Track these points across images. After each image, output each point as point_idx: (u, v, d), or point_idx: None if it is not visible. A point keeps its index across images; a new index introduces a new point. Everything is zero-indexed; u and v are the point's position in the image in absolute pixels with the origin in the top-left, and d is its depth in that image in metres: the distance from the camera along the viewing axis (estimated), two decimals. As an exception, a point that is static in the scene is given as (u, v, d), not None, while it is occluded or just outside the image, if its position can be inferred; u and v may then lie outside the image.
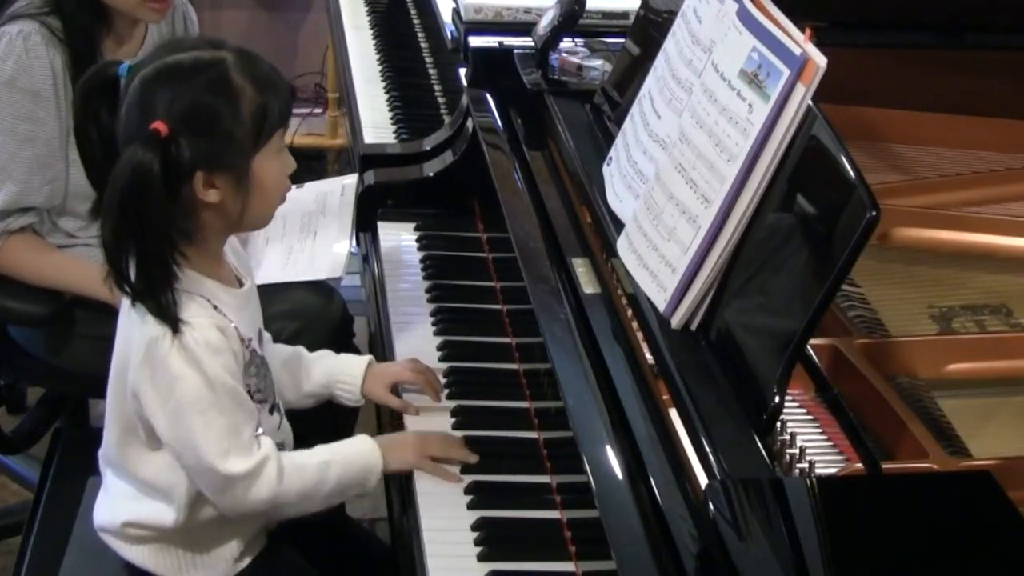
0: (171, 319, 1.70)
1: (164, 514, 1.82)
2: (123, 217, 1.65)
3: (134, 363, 1.74)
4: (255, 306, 1.89)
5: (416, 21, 3.40)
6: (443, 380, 2.09)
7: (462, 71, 2.59)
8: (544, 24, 2.40)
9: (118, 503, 1.87)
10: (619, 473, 1.62)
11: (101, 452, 1.89)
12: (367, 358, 2.06)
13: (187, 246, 1.73)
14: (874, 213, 1.46)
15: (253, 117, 1.71)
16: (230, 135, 1.70)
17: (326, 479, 1.82)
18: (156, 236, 1.67)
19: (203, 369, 1.71)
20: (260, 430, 1.81)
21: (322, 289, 2.45)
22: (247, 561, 1.89)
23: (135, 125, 1.68)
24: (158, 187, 1.64)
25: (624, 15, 2.55)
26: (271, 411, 1.88)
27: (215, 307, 1.75)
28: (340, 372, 2.03)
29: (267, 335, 2.01)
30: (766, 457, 1.51)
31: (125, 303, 1.78)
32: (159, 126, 1.65)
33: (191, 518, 1.82)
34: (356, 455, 1.86)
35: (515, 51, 2.47)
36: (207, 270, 1.77)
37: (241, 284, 1.85)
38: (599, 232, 1.97)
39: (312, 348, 2.10)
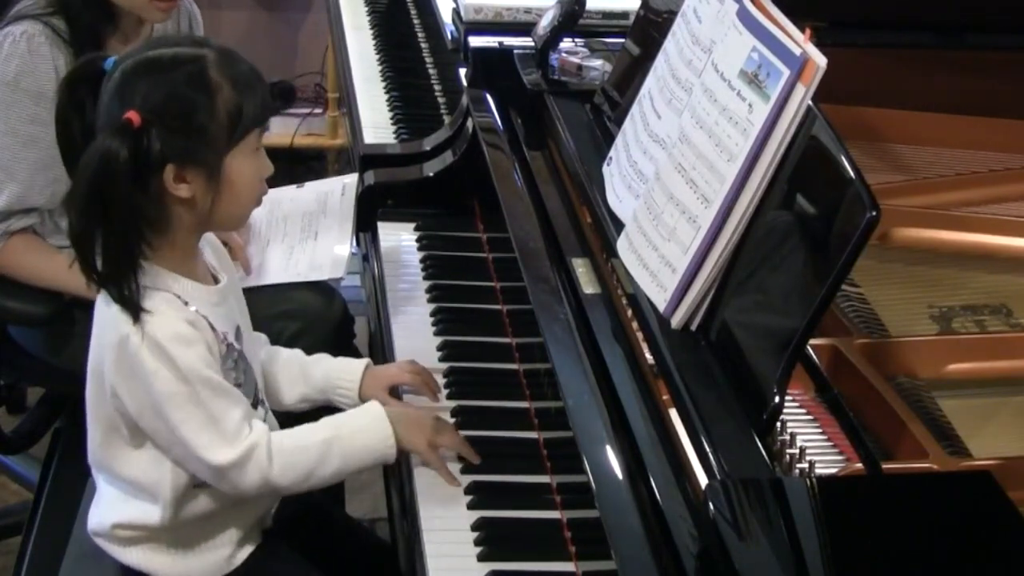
0: (133, 307, 1.70)
1: (151, 513, 1.82)
2: (89, 203, 1.66)
3: (108, 364, 1.75)
4: (233, 302, 1.88)
5: (416, 21, 3.40)
6: (443, 380, 2.09)
7: (462, 71, 2.59)
8: (544, 24, 2.40)
9: (108, 507, 1.88)
10: (619, 473, 1.62)
11: (88, 455, 1.89)
12: (364, 361, 2.06)
13: (157, 238, 1.74)
14: (874, 213, 1.46)
15: (228, 115, 1.72)
16: (203, 130, 1.71)
17: (329, 458, 1.81)
18: (121, 224, 1.68)
19: (175, 363, 1.71)
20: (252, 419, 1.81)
21: (323, 289, 2.45)
22: (242, 557, 1.89)
23: (112, 115, 1.70)
24: (124, 176, 1.65)
25: (624, 15, 2.55)
26: (255, 405, 1.87)
27: (185, 303, 1.75)
28: (338, 376, 2.03)
29: (263, 336, 2.00)
30: (766, 457, 1.51)
31: (98, 303, 1.78)
32: (132, 116, 1.67)
33: (178, 516, 1.82)
34: (364, 431, 1.85)
35: (515, 51, 2.47)
36: (178, 266, 1.78)
37: (217, 281, 1.86)
38: (599, 232, 1.97)
39: (313, 348, 2.10)
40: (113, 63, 1.75)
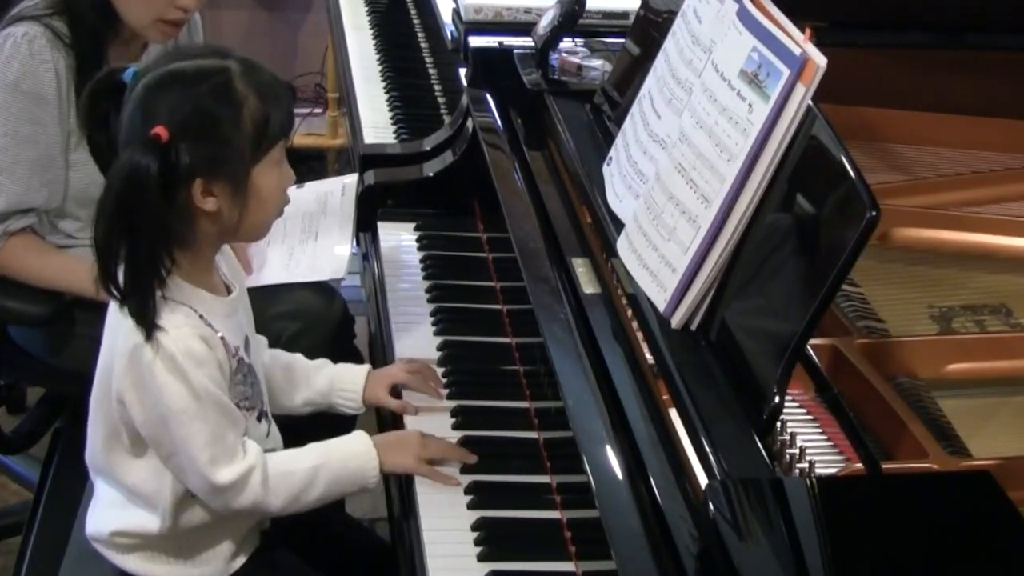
0: (147, 324, 1.69)
1: (150, 521, 1.82)
2: (117, 219, 1.65)
3: (118, 370, 1.74)
4: (243, 312, 1.88)
5: (416, 21, 3.40)
6: (443, 380, 2.09)
7: (462, 71, 2.59)
8: (544, 24, 2.40)
9: (106, 512, 1.87)
10: (619, 473, 1.62)
11: (87, 458, 1.89)
12: (366, 367, 2.06)
13: (180, 253, 1.73)
14: (874, 213, 1.46)
15: (255, 126, 1.71)
16: (231, 143, 1.70)
17: (315, 483, 1.82)
18: (148, 240, 1.67)
19: (188, 379, 1.70)
20: (244, 437, 1.80)
21: (323, 289, 2.45)
22: (241, 560, 1.89)
23: (137, 129, 1.68)
24: (154, 191, 1.64)
25: (624, 15, 2.55)
26: (259, 419, 1.87)
27: (201, 317, 1.75)
28: (341, 381, 2.03)
29: (262, 339, 2.00)
30: (766, 457, 1.51)
31: (111, 310, 1.78)
32: (160, 131, 1.65)
33: (177, 524, 1.82)
34: (350, 458, 1.86)
35: (515, 51, 2.47)
36: (197, 279, 1.77)
37: (230, 291, 1.85)
38: (599, 232, 1.97)
39: (313, 348, 2.10)
40: (134, 75, 1.73)
